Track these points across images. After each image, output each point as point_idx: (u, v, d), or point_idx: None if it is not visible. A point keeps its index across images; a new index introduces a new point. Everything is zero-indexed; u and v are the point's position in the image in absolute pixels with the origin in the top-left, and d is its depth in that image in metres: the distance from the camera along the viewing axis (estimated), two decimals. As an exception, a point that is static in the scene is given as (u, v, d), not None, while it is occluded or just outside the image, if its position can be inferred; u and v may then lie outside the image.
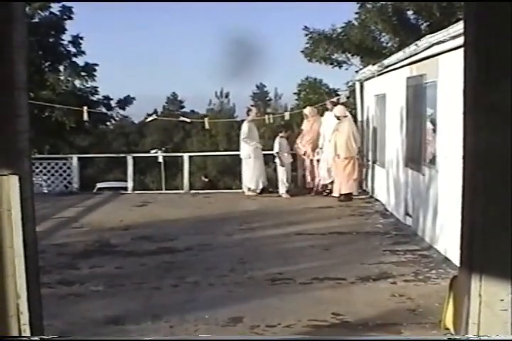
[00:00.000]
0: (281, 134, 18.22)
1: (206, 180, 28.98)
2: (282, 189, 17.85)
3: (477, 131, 2.92)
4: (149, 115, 28.63)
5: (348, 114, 17.09)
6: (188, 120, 26.72)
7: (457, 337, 3.05)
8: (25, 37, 2.59)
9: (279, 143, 18.03)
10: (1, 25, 2.53)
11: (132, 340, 6.47)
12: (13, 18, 2.54)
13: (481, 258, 2.91)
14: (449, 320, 6.77)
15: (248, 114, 19.08)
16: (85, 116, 20.91)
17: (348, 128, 16.49)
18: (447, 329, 6.79)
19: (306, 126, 18.27)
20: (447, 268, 9.53)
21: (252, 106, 20.41)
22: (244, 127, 18.46)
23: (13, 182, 2.55)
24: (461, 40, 8.66)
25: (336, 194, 16.64)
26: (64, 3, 30.14)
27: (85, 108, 20.68)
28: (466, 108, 2.99)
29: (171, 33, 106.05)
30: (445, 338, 3.28)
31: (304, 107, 20.10)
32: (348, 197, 16.55)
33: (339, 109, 16.99)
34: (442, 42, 10.14)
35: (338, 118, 16.68)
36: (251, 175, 18.14)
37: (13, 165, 2.56)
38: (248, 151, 18.22)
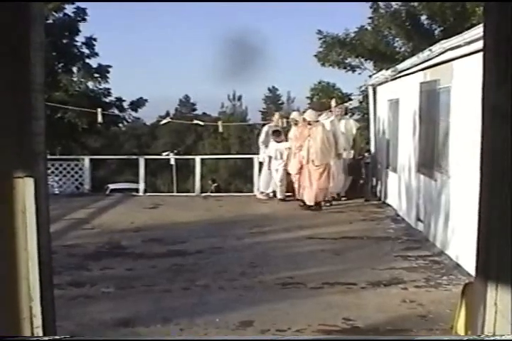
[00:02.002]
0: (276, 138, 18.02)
1: (214, 184, 28.87)
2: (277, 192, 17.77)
3: (495, 136, 2.90)
4: (161, 117, 28.72)
5: (320, 118, 16.60)
6: (202, 123, 26.67)
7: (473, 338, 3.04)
8: (43, 38, 2.58)
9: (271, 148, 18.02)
10: (20, 25, 2.53)
11: (141, 340, 6.46)
12: (31, 18, 2.54)
13: (498, 265, 2.89)
14: (460, 327, 6.76)
15: (271, 119, 19.09)
16: (99, 118, 20.96)
17: (321, 134, 15.79)
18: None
19: (294, 132, 17.21)
20: (458, 275, 9.50)
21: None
22: (262, 132, 18.54)
23: (28, 185, 2.55)
24: (476, 46, 8.68)
25: (310, 202, 16.01)
26: (78, 3, 30.30)
27: (99, 110, 20.72)
28: (484, 111, 2.97)
29: (184, 35, 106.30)
30: (465, 338, 3.26)
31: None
32: (319, 205, 15.99)
33: (309, 114, 16.52)
34: (457, 47, 10.10)
35: (309, 123, 16.06)
36: (263, 179, 18.09)
37: (29, 168, 2.57)
38: (263, 155, 18.21)
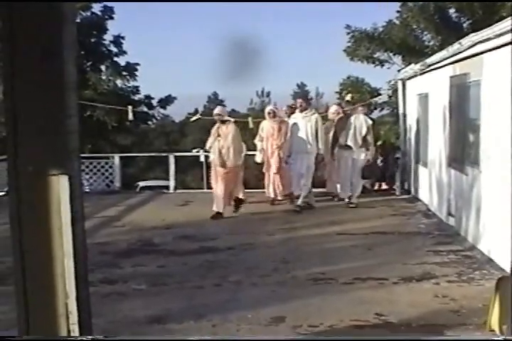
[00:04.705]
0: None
1: None
2: None
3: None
4: (190, 114, 28.75)
5: (228, 117, 15.50)
6: (232, 119, 26.52)
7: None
8: (75, 37, 2.61)
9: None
10: (51, 25, 2.56)
11: (179, 340, 6.48)
12: (63, 17, 2.57)
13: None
14: (494, 322, 6.73)
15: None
16: (130, 116, 21.00)
17: (232, 134, 14.62)
18: (492, 330, 6.74)
19: (268, 127, 16.31)
20: (491, 269, 9.44)
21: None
22: None
23: (62, 182, 2.58)
24: (506, 38, 8.62)
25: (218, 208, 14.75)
26: (105, 3, 30.59)
27: (130, 107, 20.79)
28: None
29: (212, 33, 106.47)
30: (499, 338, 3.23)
31: None
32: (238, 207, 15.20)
33: (219, 110, 15.36)
34: (487, 40, 10.03)
35: (222, 121, 14.86)
36: None
37: (63, 166, 2.59)
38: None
